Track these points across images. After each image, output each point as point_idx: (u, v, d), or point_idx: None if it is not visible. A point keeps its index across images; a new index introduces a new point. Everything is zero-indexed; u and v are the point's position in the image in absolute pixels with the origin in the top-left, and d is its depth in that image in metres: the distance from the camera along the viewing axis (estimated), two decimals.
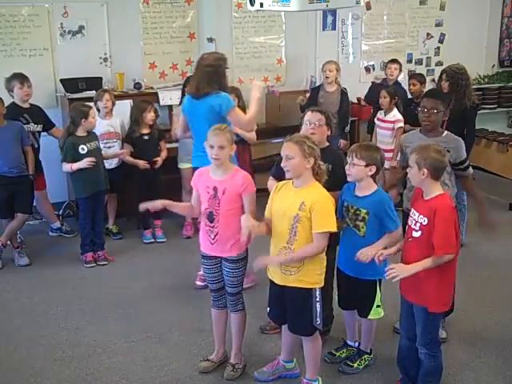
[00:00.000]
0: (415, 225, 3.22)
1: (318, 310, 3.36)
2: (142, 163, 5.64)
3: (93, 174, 5.12)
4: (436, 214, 3.11)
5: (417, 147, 3.30)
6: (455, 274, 3.33)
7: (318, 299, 3.35)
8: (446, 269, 3.19)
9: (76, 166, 5.04)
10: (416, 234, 3.21)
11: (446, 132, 4.02)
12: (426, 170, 3.16)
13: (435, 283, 3.20)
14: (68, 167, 5.08)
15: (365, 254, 3.37)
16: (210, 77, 4.37)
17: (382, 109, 6.07)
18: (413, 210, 3.29)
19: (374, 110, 6.52)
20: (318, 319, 3.38)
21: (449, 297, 3.35)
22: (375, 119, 6.21)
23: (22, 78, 5.45)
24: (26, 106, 5.51)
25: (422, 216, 3.18)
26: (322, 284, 3.38)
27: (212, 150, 3.43)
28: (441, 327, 4.08)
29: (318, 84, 6.94)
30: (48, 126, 5.71)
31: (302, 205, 3.22)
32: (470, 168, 4.09)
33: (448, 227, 3.12)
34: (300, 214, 3.22)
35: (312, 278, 3.33)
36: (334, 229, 3.25)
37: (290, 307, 3.42)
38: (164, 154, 5.81)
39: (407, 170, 3.32)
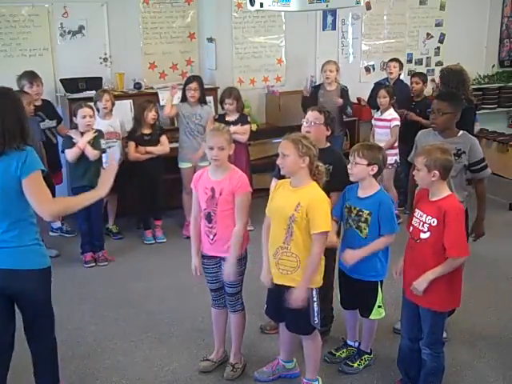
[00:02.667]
0: (423, 226, 3.20)
1: (316, 309, 3.36)
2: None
3: (94, 167, 5.13)
4: (446, 214, 3.11)
5: (422, 150, 3.29)
6: (461, 274, 3.33)
7: (315, 299, 3.35)
8: (455, 270, 3.20)
9: (82, 140, 5.05)
10: (424, 236, 3.20)
11: (461, 132, 3.97)
12: (437, 172, 3.15)
13: (447, 285, 3.21)
14: (73, 150, 5.05)
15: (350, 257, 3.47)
16: (7, 129, 2.85)
17: (380, 108, 6.08)
18: (418, 211, 3.27)
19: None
20: (315, 319, 3.37)
21: (457, 296, 3.34)
22: (372, 120, 6.22)
23: (31, 78, 5.50)
24: (39, 103, 5.55)
25: (430, 217, 3.17)
26: (320, 284, 3.38)
27: (212, 151, 3.43)
28: None
29: (317, 84, 6.95)
30: (59, 120, 5.79)
31: (298, 206, 3.23)
32: (488, 169, 3.99)
33: (459, 228, 3.13)
34: (296, 214, 3.23)
35: (310, 278, 3.32)
36: (329, 229, 3.28)
37: (287, 306, 3.42)
38: (162, 148, 5.73)
39: (413, 173, 3.30)
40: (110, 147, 5.59)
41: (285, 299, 3.39)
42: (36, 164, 2.88)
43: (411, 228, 3.30)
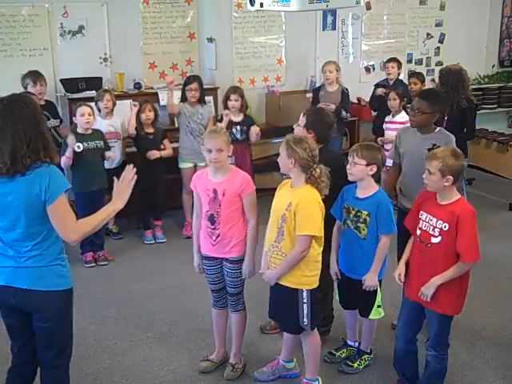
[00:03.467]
0: (433, 230, 3.17)
1: (305, 311, 3.35)
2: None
3: (88, 172, 5.14)
4: (460, 219, 3.09)
5: (435, 154, 3.21)
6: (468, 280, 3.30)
7: (305, 300, 3.34)
8: (465, 274, 3.19)
9: (67, 154, 5.06)
10: (436, 240, 3.17)
11: (438, 128, 4.03)
12: (451, 177, 3.12)
13: (458, 289, 3.21)
14: (62, 159, 5.09)
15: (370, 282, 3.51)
16: (29, 138, 2.65)
17: (391, 111, 6.04)
18: (427, 214, 3.23)
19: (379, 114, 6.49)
20: (305, 320, 3.37)
21: (464, 298, 3.32)
22: (384, 124, 6.17)
23: (35, 77, 5.55)
24: (42, 102, 5.57)
25: (441, 221, 3.14)
26: (313, 286, 3.37)
27: (210, 153, 3.43)
28: None
29: (318, 84, 6.95)
30: (60, 121, 5.84)
31: (289, 205, 3.24)
32: None
33: (473, 232, 3.11)
34: (286, 214, 3.25)
35: (298, 278, 3.32)
36: (316, 233, 3.24)
37: (278, 304, 3.45)
38: (168, 151, 5.79)
39: (423, 176, 3.25)
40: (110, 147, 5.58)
41: (278, 298, 3.40)
42: (60, 187, 2.71)
43: (419, 231, 3.26)
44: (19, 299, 2.81)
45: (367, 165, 3.42)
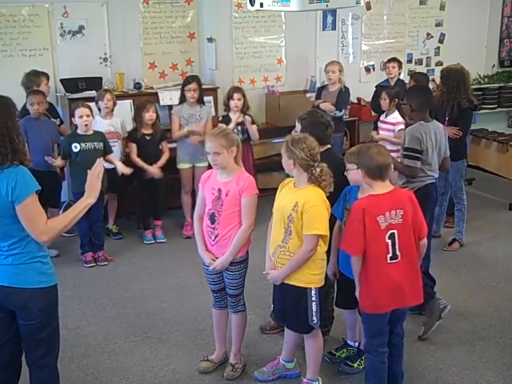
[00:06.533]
0: None
1: (314, 309, 3.36)
2: (152, 170, 5.63)
3: (84, 173, 5.09)
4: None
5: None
6: (378, 280, 3.23)
7: (313, 299, 3.35)
8: (363, 270, 3.24)
9: (57, 162, 5.20)
10: None
11: (418, 122, 4.24)
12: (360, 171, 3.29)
13: (359, 285, 3.29)
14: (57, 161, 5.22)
15: None
16: None
17: (384, 111, 6.06)
18: None
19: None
20: (314, 318, 3.37)
21: (372, 298, 3.26)
22: (378, 122, 6.19)
23: (47, 76, 5.64)
24: None
25: None
26: (320, 284, 3.38)
27: (209, 156, 3.46)
28: (435, 326, 4.10)
29: (318, 84, 6.96)
30: (61, 121, 5.84)
31: (295, 205, 3.25)
32: (407, 160, 4.18)
33: (350, 226, 3.24)
34: (293, 214, 3.26)
35: (306, 277, 3.33)
36: (323, 232, 3.26)
37: (286, 304, 3.45)
38: (166, 156, 5.77)
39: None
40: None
41: (284, 297, 3.40)
42: (28, 188, 2.68)
43: None
44: (2, 297, 2.79)
45: (358, 168, 3.43)
